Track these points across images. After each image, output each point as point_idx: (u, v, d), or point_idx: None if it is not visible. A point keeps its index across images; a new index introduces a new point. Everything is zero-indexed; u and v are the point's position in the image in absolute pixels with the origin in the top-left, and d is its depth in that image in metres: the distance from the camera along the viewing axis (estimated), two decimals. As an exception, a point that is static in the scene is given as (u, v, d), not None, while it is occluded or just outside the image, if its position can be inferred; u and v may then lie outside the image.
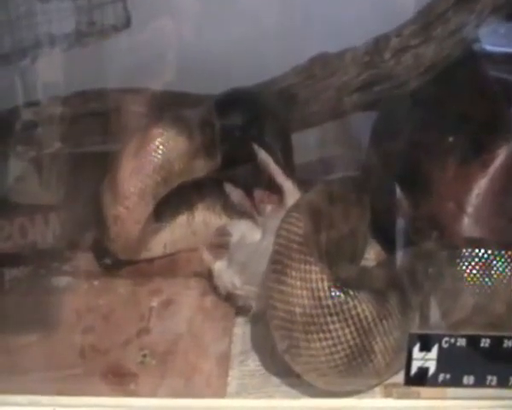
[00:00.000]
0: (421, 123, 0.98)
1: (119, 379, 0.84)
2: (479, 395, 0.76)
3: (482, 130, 0.95)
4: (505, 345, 0.72)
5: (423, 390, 0.77)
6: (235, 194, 0.99)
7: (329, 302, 0.75)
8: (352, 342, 0.76)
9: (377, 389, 0.81)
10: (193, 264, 1.01)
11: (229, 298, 0.94)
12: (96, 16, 0.90)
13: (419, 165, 0.97)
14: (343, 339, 0.76)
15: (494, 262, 0.83)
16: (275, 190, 0.95)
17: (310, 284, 0.76)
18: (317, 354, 0.77)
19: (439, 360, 0.72)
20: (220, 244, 0.97)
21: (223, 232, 0.97)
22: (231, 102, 1.00)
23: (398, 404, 0.79)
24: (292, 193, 0.93)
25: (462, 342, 0.72)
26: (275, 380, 0.84)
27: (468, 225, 0.92)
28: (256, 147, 0.96)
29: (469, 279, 0.83)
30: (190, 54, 0.95)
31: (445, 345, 0.72)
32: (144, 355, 0.88)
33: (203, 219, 1.03)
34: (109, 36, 0.91)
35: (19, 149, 0.99)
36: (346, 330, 0.75)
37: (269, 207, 0.95)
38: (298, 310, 0.76)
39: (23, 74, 0.94)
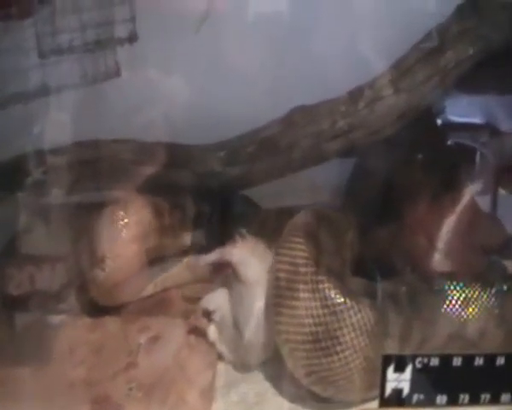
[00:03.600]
0: (396, 166, 0.99)
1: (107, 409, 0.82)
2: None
3: (450, 172, 0.96)
4: (476, 363, 0.70)
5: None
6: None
7: (302, 270, 0.80)
8: (317, 320, 0.77)
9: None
10: (179, 303, 0.99)
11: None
12: (89, 67, 0.92)
13: (394, 204, 0.98)
14: (309, 312, 0.77)
15: (466, 294, 0.82)
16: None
17: (293, 252, 0.82)
18: (289, 321, 0.79)
19: (413, 380, 0.71)
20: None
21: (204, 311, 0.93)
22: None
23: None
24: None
25: (434, 361, 0.70)
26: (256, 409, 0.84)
27: (438, 259, 0.92)
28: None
29: (444, 310, 0.82)
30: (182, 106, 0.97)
31: (418, 365, 0.71)
32: (131, 388, 0.85)
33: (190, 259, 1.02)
34: (100, 83, 0.92)
35: (22, 198, 0.99)
36: (313, 304, 0.77)
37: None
38: (282, 275, 0.81)
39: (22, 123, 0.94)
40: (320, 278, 0.78)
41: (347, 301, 0.77)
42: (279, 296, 0.81)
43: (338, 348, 0.76)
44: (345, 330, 0.76)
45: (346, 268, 0.88)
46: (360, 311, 0.77)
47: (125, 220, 0.98)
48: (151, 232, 0.99)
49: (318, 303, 0.77)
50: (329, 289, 0.77)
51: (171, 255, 1.02)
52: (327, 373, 0.78)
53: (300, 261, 0.80)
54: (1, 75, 0.90)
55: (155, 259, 1.00)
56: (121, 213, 0.98)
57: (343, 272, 0.86)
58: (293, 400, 0.84)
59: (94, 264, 0.96)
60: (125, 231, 0.97)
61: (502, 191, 1.06)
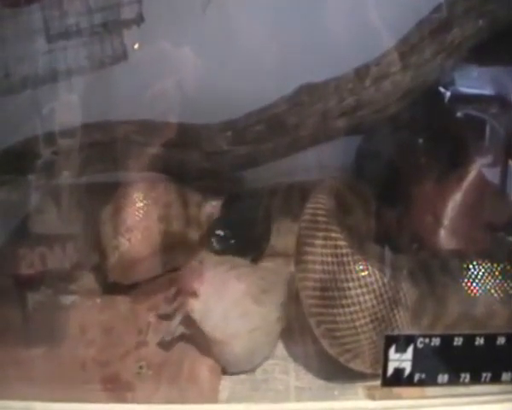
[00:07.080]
0: (402, 145, 0.99)
1: (118, 388, 0.83)
2: (456, 393, 0.74)
3: (455, 149, 0.96)
4: (477, 343, 0.71)
5: (404, 391, 0.76)
6: None
7: (320, 219, 0.83)
8: (326, 267, 0.79)
9: (360, 391, 0.80)
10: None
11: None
12: (95, 50, 0.92)
13: (400, 182, 0.98)
14: (320, 259, 0.80)
15: (475, 272, 0.83)
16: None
17: (316, 205, 0.85)
18: (305, 267, 0.82)
19: (415, 360, 0.71)
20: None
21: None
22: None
23: (379, 405, 0.77)
24: None
25: (436, 341, 0.71)
26: (263, 387, 0.84)
27: (444, 236, 0.92)
28: None
29: (456, 287, 0.83)
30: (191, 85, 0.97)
31: (419, 345, 0.71)
32: (141, 367, 0.87)
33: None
34: (107, 67, 0.92)
35: (32, 179, 1.00)
36: (324, 251, 0.80)
37: None
38: (304, 225, 0.85)
39: (30, 106, 0.95)
40: (333, 227, 0.81)
41: (356, 254, 0.78)
42: (300, 244, 0.83)
43: (344, 302, 0.77)
44: (351, 284, 0.77)
45: (369, 236, 0.91)
46: (368, 268, 0.77)
47: (154, 198, 1.01)
48: (175, 217, 1.02)
49: (329, 251, 0.79)
50: (341, 239, 0.79)
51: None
52: (333, 326, 0.78)
53: (319, 212, 0.83)
54: (10, 60, 0.91)
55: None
56: (150, 190, 1.01)
57: (365, 237, 0.89)
58: (299, 378, 0.85)
59: (119, 233, 0.98)
60: (153, 207, 1.00)
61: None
